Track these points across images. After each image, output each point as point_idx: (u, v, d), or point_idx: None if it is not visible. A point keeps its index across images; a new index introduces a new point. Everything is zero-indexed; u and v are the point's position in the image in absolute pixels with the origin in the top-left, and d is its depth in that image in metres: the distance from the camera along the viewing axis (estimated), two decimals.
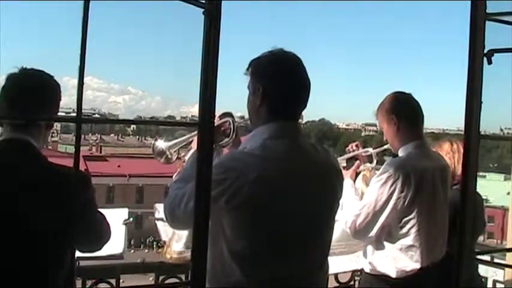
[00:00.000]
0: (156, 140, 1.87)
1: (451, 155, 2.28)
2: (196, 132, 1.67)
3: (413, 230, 2.00)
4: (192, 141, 1.76)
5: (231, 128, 1.73)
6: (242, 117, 1.77)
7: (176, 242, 1.97)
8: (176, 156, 1.84)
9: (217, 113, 1.70)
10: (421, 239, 2.00)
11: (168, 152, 1.83)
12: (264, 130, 1.45)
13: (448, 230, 2.04)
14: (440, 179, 2.06)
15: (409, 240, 2.00)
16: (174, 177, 1.58)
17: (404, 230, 2.00)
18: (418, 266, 1.99)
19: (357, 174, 2.34)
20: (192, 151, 1.66)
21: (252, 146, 1.43)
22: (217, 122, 1.65)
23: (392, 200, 1.95)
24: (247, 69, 1.50)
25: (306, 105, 1.50)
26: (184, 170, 1.55)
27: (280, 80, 1.46)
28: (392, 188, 1.95)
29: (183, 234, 1.95)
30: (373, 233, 2.00)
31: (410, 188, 1.95)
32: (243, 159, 1.39)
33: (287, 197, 1.39)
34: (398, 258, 2.00)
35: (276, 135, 1.43)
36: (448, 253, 2.03)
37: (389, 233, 2.01)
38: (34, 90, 1.49)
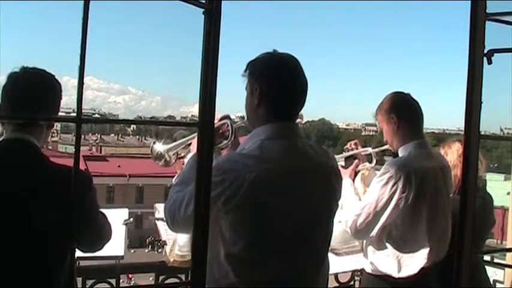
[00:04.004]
0: (154, 143, 1.86)
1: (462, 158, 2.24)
2: (194, 134, 1.68)
3: (416, 230, 2.00)
4: (191, 143, 1.75)
5: (229, 130, 1.72)
6: (242, 118, 1.76)
7: (179, 245, 1.96)
8: (175, 158, 1.83)
9: (217, 112, 1.69)
10: (424, 239, 1.99)
11: (166, 155, 1.82)
12: (261, 131, 1.45)
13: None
14: (442, 178, 2.06)
15: (411, 240, 2.00)
16: (173, 180, 1.58)
17: (406, 230, 2.00)
18: (420, 265, 1.98)
19: (356, 173, 2.33)
20: (191, 154, 1.65)
21: (250, 147, 1.43)
22: (215, 124, 1.64)
23: (393, 200, 1.95)
24: (245, 70, 1.50)
25: (303, 106, 1.50)
26: (184, 173, 1.55)
27: (278, 81, 1.46)
28: (394, 188, 1.94)
29: (187, 238, 1.94)
30: (374, 233, 1.99)
31: (411, 188, 1.94)
32: (240, 160, 1.38)
33: (285, 198, 1.38)
34: (400, 258, 2.00)
35: (274, 136, 1.43)
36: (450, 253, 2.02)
37: (391, 233, 2.01)
38: (35, 89, 1.49)
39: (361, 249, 2.26)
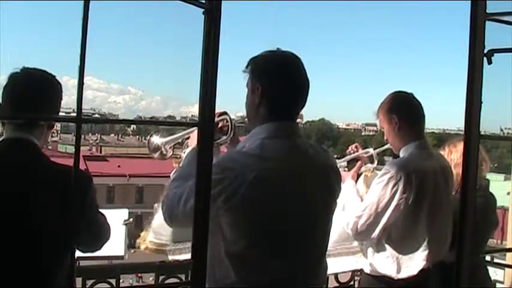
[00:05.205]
0: (151, 135, 1.85)
1: None
2: (192, 128, 1.67)
3: (416, 231, 1.99)
4: (188, 137, 1.74)
5: (228, 126, 1.72)
6: (242, 117, 1.76)
7: (152, 232, 1.95)
8: (171, 152, 1.83)
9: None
10: (423, 240, 1.99)
11: (163, 148, 1.81)
12: (262, 130, 1.44)
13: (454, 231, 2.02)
14: (443, 179, 2.05)
15: (411, 241, 1.99)
16: (171, 175, 1.57)
17: (406, 231, 1.99)
18: (420, 266, 1.98)
19: (359, 175, 2.34)
20: (189, 148, 1.64)
21: (250, 145, 1.43)
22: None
23: (394, 201, 1.94)
24: (246, 67, 1.50)
25: (304, 105, 1.50)
26: (182, 168, 1.54)
27: (280, 79, 1.45)
28: (395, 189, 1.94)
29: (159, 226, 1.92)
30: (375, 234, 1.98)
31: (412, 189, 1.93)
32: (240, 159, 1.38)
33: (285, 196, 1.38)
34: (400, 259, 1.99)
35: (274, 135, 1.43)
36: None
37: (391, 234, 2.00)
38: (36, 90, 1.49)
39: (358, 250, 2.26)
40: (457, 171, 2.16)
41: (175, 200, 1.38)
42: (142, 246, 1.96)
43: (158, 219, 1.84)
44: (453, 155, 2.29)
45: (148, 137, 1.87)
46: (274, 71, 1.46)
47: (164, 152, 1.82)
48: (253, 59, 1.50)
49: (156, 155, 1.82)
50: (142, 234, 2.00)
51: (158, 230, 1.92)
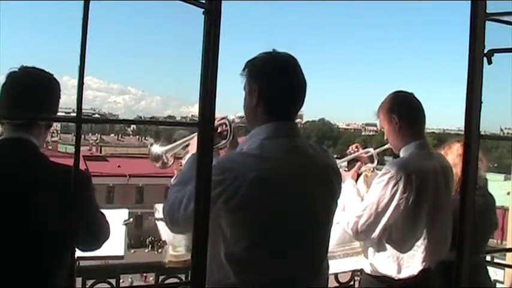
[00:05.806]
0: (151, 145, 1.87)
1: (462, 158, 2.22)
2: (192, 135, 1.69)
3: (416, 231, 1.99)
4: (188, 144, 1.75)
5: (227, 130, 1.73)
6: (242, 117, 1.77)
7: (174, 245, 1.95)
8: (172, 160, 1.84)
9: (217, 112, 1.69)
10: (424, 240, 1.99)
11: (164, 157, 1.83)
12: (261, 130, 1.45)
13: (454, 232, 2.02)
14: (443, 179, 2.05)
15: (411, 241, 1.99)
16: (172, 180, 1.58)
17: (406, 231, 1.99)
18: (420, 267, 1.98)
19: (359, 175, 2.34)
20: (189, 154, 1.65)
21: (250, 146, 1.43)
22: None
23: (394, 201, 1.94)
24: (244, 69, 1.50)
25: (302, 105, 1.50)
26: (183, 173, 1.54)
27: (277, 80, 1.46)
28: (395, 188, 1.94)
29: (182, 238, 1.94)
30: (375, 234, 1.98)
31: (412, 189, 1.93)
32: (240, 160, 1.38)
33: (285, 196, 1.38)
34: (400, 259, 1.99)
35: (274, 136, 1.43)
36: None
37: (391, 234, 2.00)
38: (34, 88, 1.49)
39: (360, 251, 2.25)
40: (454, 171, 2.16)
41: (176, 205, 1.38)
42: (166, 260, 1.96)
43: (167, 232, 1.84)
44: (449, 156, 2.30)
45: (149, 146, 1.89)
46: (270, 72, 1.47)
47: (165, 161, 1.83)
48: (250, 61, 1.51)
49: (158, 164, 1.84)
50: (165, 247, 2.00)
51: (173, 243, 1.93)
